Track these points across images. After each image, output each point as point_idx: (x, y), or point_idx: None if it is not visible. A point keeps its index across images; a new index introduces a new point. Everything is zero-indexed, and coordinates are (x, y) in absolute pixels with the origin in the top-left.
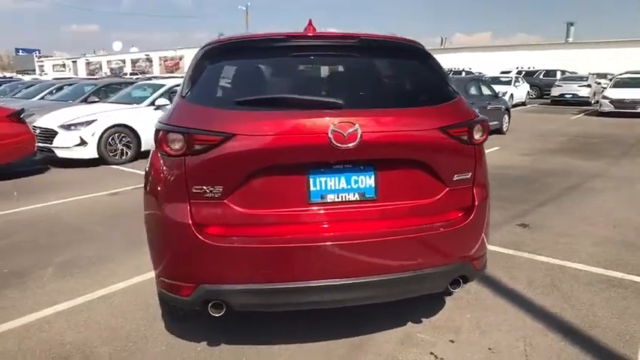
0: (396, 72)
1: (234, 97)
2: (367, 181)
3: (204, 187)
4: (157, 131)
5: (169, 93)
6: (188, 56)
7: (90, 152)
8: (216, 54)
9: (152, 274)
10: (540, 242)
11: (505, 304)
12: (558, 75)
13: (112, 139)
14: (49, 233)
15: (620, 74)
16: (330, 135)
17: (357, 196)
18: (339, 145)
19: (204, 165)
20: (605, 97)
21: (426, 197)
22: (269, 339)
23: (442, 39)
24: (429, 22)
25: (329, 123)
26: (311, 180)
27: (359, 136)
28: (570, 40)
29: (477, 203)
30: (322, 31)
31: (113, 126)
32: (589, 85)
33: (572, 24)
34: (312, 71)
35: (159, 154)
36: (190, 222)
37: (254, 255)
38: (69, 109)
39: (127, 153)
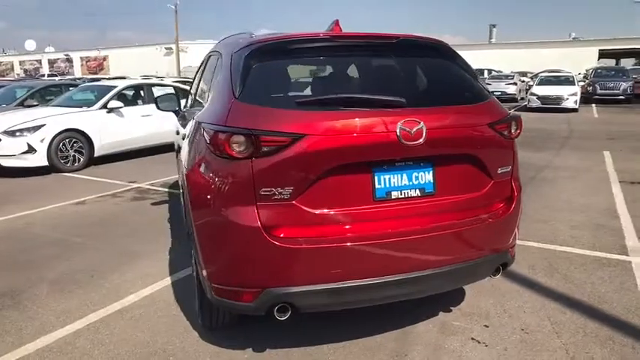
0: (437, 71)
1: (294, 97)
2: (426, 176)
3: (273, 189)
4: (215, 133)
5: (119, 95)
6: (113, 56)
7: (39, 160)
8: (263, 53)
9: (164, 283)
10: (523, 230)
11: (519, 289)
12: (486, 74)
13: (63, 144)
14: (24, 248)
15: (543, 72)
16: (398, 133)
17: (417, 192)
18: (407, 142)
19: (274, 166)
20: (532, 94)
21: (475, 190)
22: (313, 340)
23: None
24: (350, 24)
25: (396, 121)
26: (376, 178)
27: (424, 133)
28: (493, 40)
29: (515, 194)
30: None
31: (64, 131)
32: (515, 83)
33: (494, 26)
34: (361, 70)
35: (212, 157)
36: (259, 225)
37: (322, 255)
38: (9, 113)
39: (79, 159)
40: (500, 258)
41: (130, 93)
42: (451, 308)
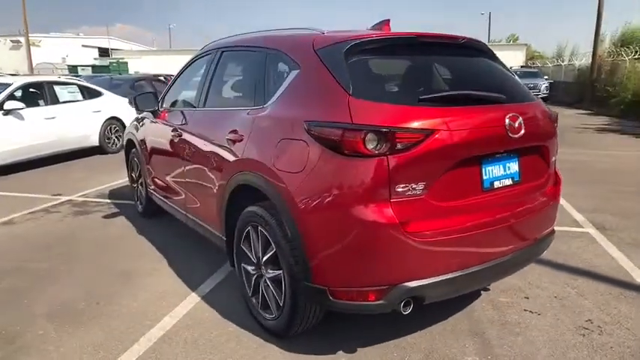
0: (497, 71)
1: (412, 93)
2: (514, 166)
3: (408, 185)
4: (344, 131)
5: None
6: None
7: None
8: (362, 50)
9: (193, 300)
10: None
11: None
12: None
13: None
14: None
15: (516, 68)
16: (507, 126)
17: (509, 181)
18: (512, 135)
19: (409, 163)
20: None
21: (541, 177)
22: (394, 334)
23: None
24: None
25: (504, 116)
26: (483, 169)
27: (523, 126)
28: None
29: (560, 179)
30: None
31: None
32: None
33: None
34: (445, 68)
35: (333, 156)
36: (397, 222)
37: (447, 246)
38: None
39: None
40: (550, 235)
41: (29, 92)
42: (487, 287)
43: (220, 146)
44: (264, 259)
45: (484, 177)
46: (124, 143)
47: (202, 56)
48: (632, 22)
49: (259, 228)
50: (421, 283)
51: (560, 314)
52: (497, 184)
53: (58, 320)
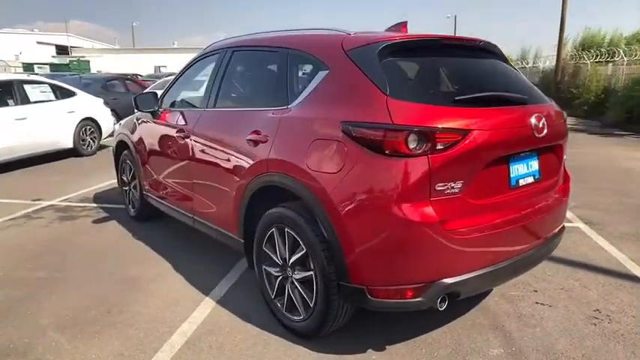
0: (512, 73)
1: (445, 94)
2: (534, 165)
3: (447, 184)
4: (386, 131)
5: None
6: None
7: None
8: (393, 51)
9: (209, 304)
10: None
11: None
12: None
13: None
14: None
15: None
16: (533, 126)
17: (532, 179)
18: (537, 135)
19: (448, 162)
20: None
21: (555, 175)
22: (417, 332)
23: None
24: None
25: (530, 116)
26: (511, 168)
27: (546, 126)
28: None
29: (569, 177)
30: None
31: None
32: None
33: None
34: (469, 69)
35: (374, 156)
36: (437, 220)
37: (481, 242)
38: None
39: None
40: (562, 230)
41: None
42: None
43: (239, 147)
44: (292, 260)
45: (511, 175)
46: (114, 145)
47: (207, 56)
48: (591, 27)
49: (286, 229)
50: (457, 280)
51: (570, 305)
52: (522, 181)
53: (69, 331)
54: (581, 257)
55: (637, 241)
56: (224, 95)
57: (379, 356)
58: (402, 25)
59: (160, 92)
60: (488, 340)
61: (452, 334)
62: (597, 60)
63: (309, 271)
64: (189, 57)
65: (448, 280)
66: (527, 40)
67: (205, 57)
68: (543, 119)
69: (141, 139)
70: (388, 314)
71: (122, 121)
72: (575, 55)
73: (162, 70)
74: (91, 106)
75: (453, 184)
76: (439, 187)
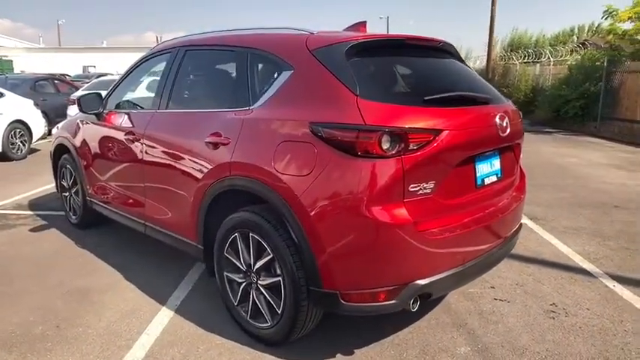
0: (473, 73)
1: (413, 94)
2: (497, 164)
3: (420, 185)
4: (360, 132)
5: None
6: None
7: None
8: (360, 51)
9: (166, 314)
10: None
11: None
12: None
13: None
14: None
15: None
16: (497, 126)
17: (495, 178)
18: (501, 134)
19: (421, 162)
20: None
21: (514, 173)
22: (381, 335)
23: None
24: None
25: (495, 116)
26: (476, 167)
27: (509, 126)
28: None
29: (524, 174)
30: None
31: None
32: None
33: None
34: (436, 69)
35: (346, 157)
36: (412, 221)
37: (452, 242)
38: None
39: None
40: (520, 227)
41: None
42: None
43: (196, 150)
44: (257, 266)
45: (477, 174)
46: (52, 149)
47: (156, 55)
48: (518, 28)
49: (250, 234)
50: (429, 280)
51: (527, 300)
52: (487, 180)
53: (16, 349)
54: (531, 252)
55: (579, 235)
56: (177, 96)
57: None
58: (361, 25)
59: (103, 93)
60: (453, 338)
61: (418, 333)
62: (525, 60)
63: (276, 276)
64: (119, 57)
65: (421, 282)
66: (459, 41)
67: (154, 56)
68: (506, 118)
69: (84, 143)
70: (350, 317)
71: (61, 124)
72: (505, 55)
73: (91, 70)
74: (20, 107)
75: (425, 185)
76: (412, 187)
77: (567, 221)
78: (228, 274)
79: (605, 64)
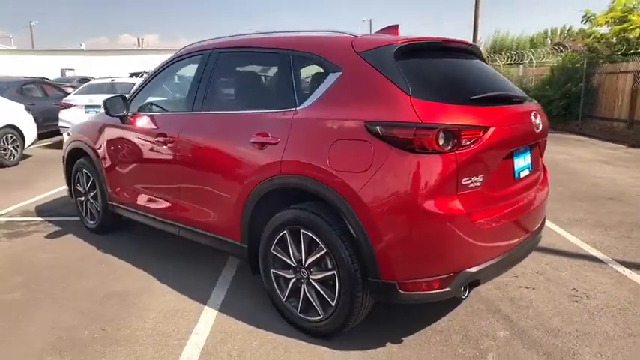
0: (498, 73)
1: (460, 93)
2: (528, 159)
3: (471, 178)
4: (418, 129)
5: None
6: None
7: None
8: (407, 53)
9: (210, 313)
10: None
11: None
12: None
13: None
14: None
15: None
16: (533, 123)
17: (527, 171)
18: (535, 130)
19: (472, 157)
20: None
21: (539, 168)
22: (415, 328)
23: (139, 40)
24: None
25: (530, 114)
26: (515, 161)
27: (541, 123)
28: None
29: (546, 169)
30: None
31: None
32: None
33: None
34: (471, 70)
35: (403, 154)
36: (465, 213)
37: (497, 232)
38: None
39: None
40: (545, 220)
41: None
42: None
43: (240, 150)
44: (309, 261)
45: (515, 168)
46: (66, 153)
47: (184, 58)
48: (500, 31)
49: (302, 230)
50: (479, 268)
51: (550, 286)
52: (522, 174)
53: (68, 353)
54: (543, 242)
55: (582, 225)
56: (214, 98)
57: (400, 348)
58: (394, 28)
59: (98, 96)
60: (491, 323)
61: (457, 320)
62: (508, 62)
63: (329, 270)
64: (97, 60)
65: (471, 270)
66: None
67: (182, 59)
68: (539, 116)
69: (106, 145)
70: (395, 307)
71: (73, 128)
72: (488, 57)
73: (69, 73)
74: (12, 112)
75: (475, 178)
76: (464, 181)
77: (568, 213)
78: (275, 271)
79: (585, 65)
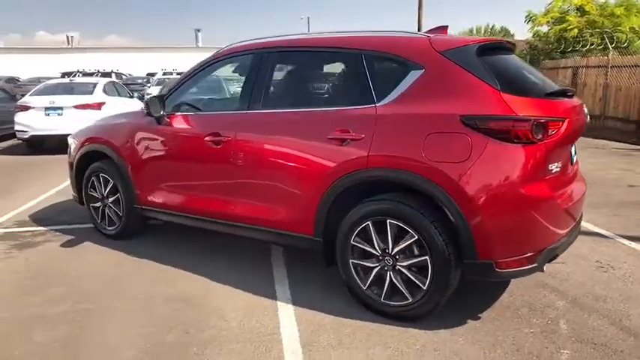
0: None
1: (534, 89)
2: (573, 148)
3: (554, 164)
4: (515, 122)
5: None
6: None
7: None
8: (484, 51)
9: (287, 306)
10: None
11: None
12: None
13: None
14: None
15: None
16: (585, 115)
17: (575, 158)
18: (586, 122)
19: (555, 146)
20: None
21: (576, 159)
22: (487, 306)
23: (68, 37)
24: None
25: (582, 107)
26: (571, 149)
27: (587, 116)
28: (200, 44)
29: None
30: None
31: None
32: None
33: (199, 30)
34: (525, 67)
35: (500, 145)
36: (552, 195)
37: (566, 212)
38: None
39: None
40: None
41: None
42: None
43: (315, 147)
44: (397, 249)
45: (572, 155)
46: (76, 159)
47: (228, 58)
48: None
49: (388, 220)
50: (557, 244)
51: (577, 260)
52: (574, 160)
53: (166, 357)
54: None
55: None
56: (274, 97)
57: (482, 323)
58: (443, 29)
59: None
60: (546, 296)
61: (517, 295)
62: None
63: (419, 256)
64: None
65: (552, 246)
66: None
67: (225, 59)
68: (585, 110)
69: (137, 146)
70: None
71: (78, 131)
72: None
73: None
74: None
75: (557, 164)
76: (550, 167)
77: None
78: (354, 261)
79: (527, 62)
